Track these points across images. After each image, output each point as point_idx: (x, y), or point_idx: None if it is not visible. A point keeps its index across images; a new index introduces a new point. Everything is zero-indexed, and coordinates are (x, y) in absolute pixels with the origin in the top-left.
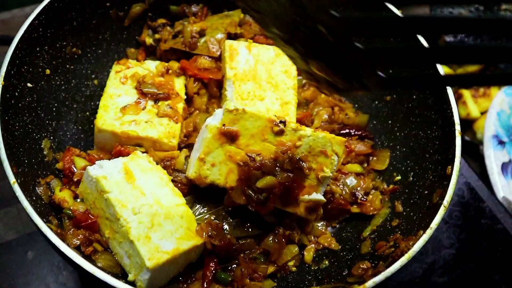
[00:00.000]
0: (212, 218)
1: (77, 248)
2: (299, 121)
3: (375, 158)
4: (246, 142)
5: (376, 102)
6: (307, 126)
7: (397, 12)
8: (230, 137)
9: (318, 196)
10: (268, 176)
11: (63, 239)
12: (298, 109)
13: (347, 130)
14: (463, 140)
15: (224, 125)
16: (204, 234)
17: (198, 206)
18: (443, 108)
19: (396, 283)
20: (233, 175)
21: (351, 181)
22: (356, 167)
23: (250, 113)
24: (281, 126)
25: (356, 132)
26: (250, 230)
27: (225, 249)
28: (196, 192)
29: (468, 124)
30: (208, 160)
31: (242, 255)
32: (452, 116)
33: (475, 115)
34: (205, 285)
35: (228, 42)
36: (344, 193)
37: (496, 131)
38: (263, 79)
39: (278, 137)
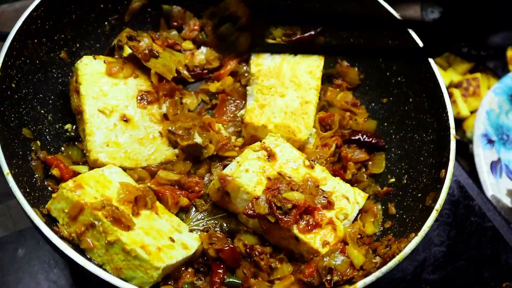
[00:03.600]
0: (210, 225)
1: (70, 242)
2: (321, 121)
3: (371, 163)
4: (280, 165)
5: (373, 104)
6: (326, 128)
7: (392, 11)
8: (269, 154)
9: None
10: (296, 192)
11: (55, 232)
12: (321, 111)
13: (358, 136)
14: None
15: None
16: (207, 242)
17: (195, 213)
18: (439, 112)
19: (388, 280)
20: (261, 186)
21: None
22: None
23: (289, 145)
24: (313, 163)
25: (366, 139)
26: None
27: (230, 255)
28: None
29: (458, 123)
30: (244, 165)
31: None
32: (448, 120)
33: (464, 114)
34: None
35: None
36: None
37: (486, 129)
38: (286, 77)
39: (308, 169)
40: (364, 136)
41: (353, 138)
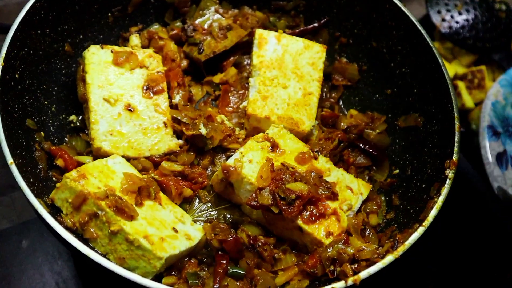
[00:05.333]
0: (213, 216)
1: (74, 232)
2: (324, 118)
3: (375, 168)
4: (283, 156)
5: (377, 95)
6: (329, 125)
7: (400, 5)
8: (272, 144)
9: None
10: (300, 182)
11: (59, 222)
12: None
13: (360, 144)
14: None
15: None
16: (210, 232)
17: (199, 204)
18: (443, 103)
19: (391, 271)
20: (265, 177)
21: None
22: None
23: (293, 136)
24: (316, 154)
25: (367, 148)
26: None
27: (233, 246)
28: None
29: (462, 115)
30: (248, 156)
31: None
32: (452, 110)
33: (469, 106)
34: (217, 281)
35: (259, 31)
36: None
37: (491, 121)
38: (288, 69)
39: (311, 161)
40: (367, 146)
41: (356, 143)
